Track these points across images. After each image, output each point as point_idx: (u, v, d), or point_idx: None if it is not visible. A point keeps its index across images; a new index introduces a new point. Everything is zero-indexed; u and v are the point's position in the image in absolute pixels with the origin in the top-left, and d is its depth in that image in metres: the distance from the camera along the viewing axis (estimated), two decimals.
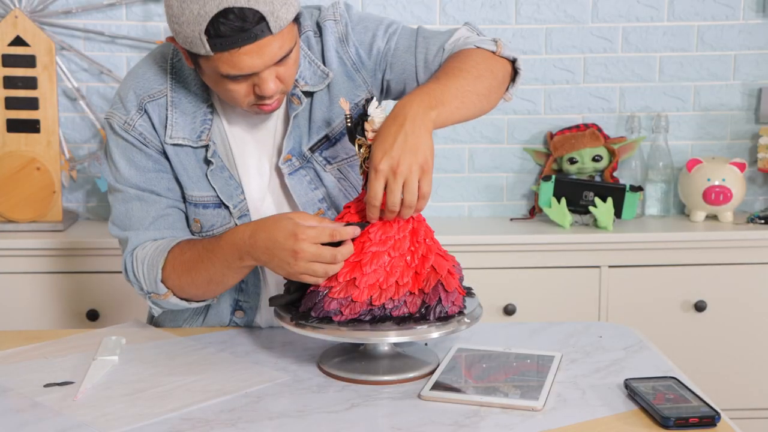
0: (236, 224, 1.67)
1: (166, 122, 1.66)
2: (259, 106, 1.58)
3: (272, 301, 1.55)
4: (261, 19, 1.46)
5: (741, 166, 2.76)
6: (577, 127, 2.84)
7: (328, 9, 1.71)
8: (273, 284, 1.73)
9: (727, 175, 2.74)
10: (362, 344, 1.56)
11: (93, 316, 2.58)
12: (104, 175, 1.72)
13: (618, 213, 2.70)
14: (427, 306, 1.48)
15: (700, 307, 2.63)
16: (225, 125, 1.68)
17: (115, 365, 1.57)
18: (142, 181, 1.67)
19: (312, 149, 1.69)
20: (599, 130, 2.82)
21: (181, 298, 1.66)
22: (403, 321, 1.47)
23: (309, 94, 1.69)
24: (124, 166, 1.67)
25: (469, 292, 1.60)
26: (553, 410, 1.38)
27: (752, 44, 2.87)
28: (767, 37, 2.87)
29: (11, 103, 2.63)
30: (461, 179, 2.91)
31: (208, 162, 1.67)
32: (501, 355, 1.57)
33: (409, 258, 1.49)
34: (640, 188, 2.72)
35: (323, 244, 1.45)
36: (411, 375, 1.50)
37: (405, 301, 1.48)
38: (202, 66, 1.54)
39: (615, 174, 2.85)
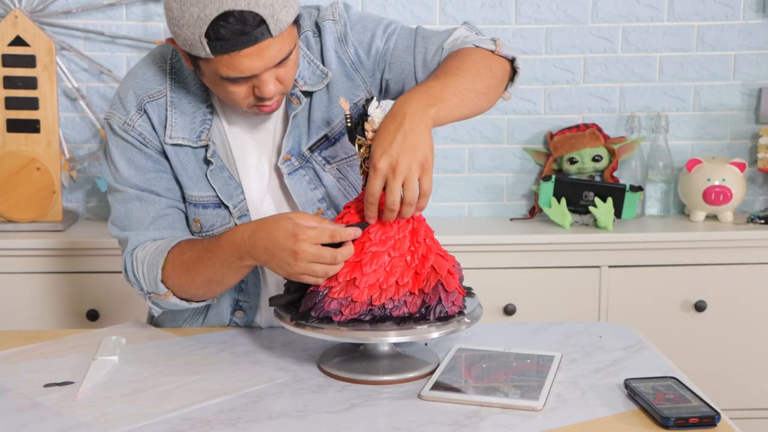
0: (236, 224, 1.67)
1: (166, 122, 1.66)
2: (258, 108, 1.59)
3: (272, 301, 1.55)
4: (261, 22, 1.46)
5: (741, 166, 2.76)
6: (577, 127, 2.84)
7: (327, 9, 1.71)
8: (273, 284, 1.73)
9: (727, 175, 2.74)
10: (362, 344, 1.56)
11: (93, 316, 2.58)
12: (104, 176, 1.72)
13: (618, 213, 2.70)
14: (427, 306, 1.48)
15: (700, 307, 2.63)
16: (224, 125, 1.68)
17: (115, 365, 1.57)
18: (141, 181, 1.67)
19: (311, 149, 1.69)
20: (599, 130, 2.82)
21: (181, 298, 1.66)
22: (403, 321, 1.47)
23: (308, 94, 1.69)
24: (124, 166, 1.67)
25: (469, 292, 1.60)
26: (553, 410, 1.38)
27: (752, 44, 2.87)
28: (767, 37, 2.87)
29: (11, 103, 2.63)
30: (461, 179, 2.91)
31: (207, 162, 1.67)
32: (501, 355, 1.57)
33: (409, 258, 1.49)
34: (640, 188, 2.72)
35: (324, 245, 1.45)
36: (411, 375, 1.50)
37: (405, 301, 1.48)
38: (202, 68, 1.54)
39: (615, 174, 2.85)
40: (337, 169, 1.71)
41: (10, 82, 2.63)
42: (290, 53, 1.54)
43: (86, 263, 2.58)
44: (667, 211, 2.87)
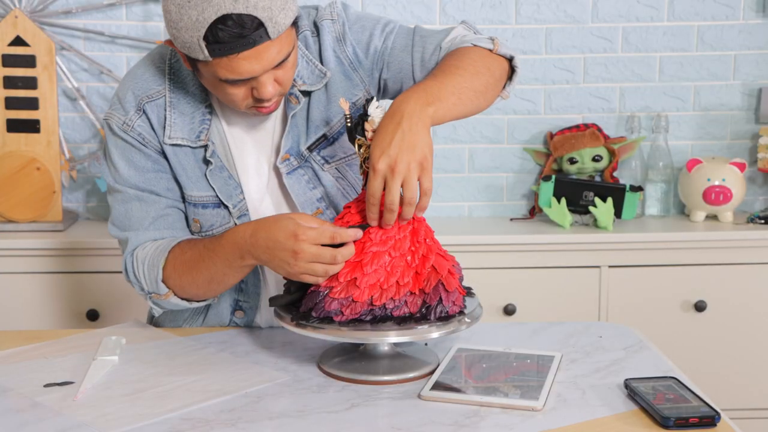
0: (236, 224, 1.67)
1: (165, 123, 1.66)
2: (257, 109, 1.59)
3: (272, 301, 1.55)
4: (259, 25, 1.46)
5: (741, 166, 2.76)
6: (577, 127, 2.84)
7: (325, 8, 1.71)
8: (273, 284, 1.73)
9: (727, 175, 2.75)
10: (362, 344, 1.56)
11: (93, 316, 2.58)
12: (103, 176, 1.72)
13: (618, 213, 2.70)
14: (428, 306, 1.48)
15: (700, 307, 2.63)
16: (224, 125, 1.68)
17: (115, 365, 1.57)
18: (141, 182, 1.67)
19: (310, 148, 1.69)
20: (599, 130, 2.82)
21: (182, 298, 1.66)
22: (404, 321, 1.47)
23: (307, 94, 1.69)
24: (124, 166, 1.67)
25: (469, 292, 1.60)
26: (553, 410, 1.38)
27: (752, 44, 2.87)
28: (767, 37, 2.87)
29: (11, 103, 2.63)
30: (461, 179, 2.91)
31: (207, 162, 1.67)
32: (501, 355, 1.57)
33: (409, 258, 1.49)
34: (640, 188, 2.72)
35: (324, 246, 1.45)
36: (411, 375, 1.50)
37: (406, 301, 1.48)
38: (201, 70, 1.54)
39: (615, 174, 2.85)
40: (335, 168, 1.71)
41: (10, 82, 2.63)
42: (289, 55, 1.54)
43: (86, 263, 2.58)
44: (667, 211, 2.87)
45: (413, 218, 1.49)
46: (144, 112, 1.66)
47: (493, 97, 1.64)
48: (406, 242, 1.49)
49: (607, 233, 2.65)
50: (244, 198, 1.68)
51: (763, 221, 2.72)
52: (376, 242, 1.47)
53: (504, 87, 1.68)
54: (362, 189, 1.52)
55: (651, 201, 2.86)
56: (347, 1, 2.71)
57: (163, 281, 1.63)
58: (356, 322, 1.46)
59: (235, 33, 1.45)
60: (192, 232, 1.71)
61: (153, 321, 1.87)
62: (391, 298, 1.47)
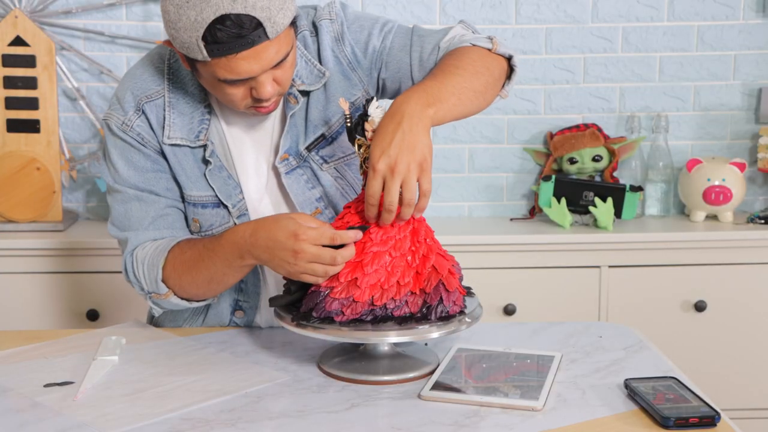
0: (235, 224, 1.67)
1: (164, 123, 1.66)
2: (256, 109, 1.59)
3: (272, 301, 1.55)
4: (258, 25, 1.46)
5: (741, 166, 2.76)
6: (577, 127, 2.84)
7: (323, 8, 1.71)
8: (273, 284, 1.73)
9: (727, 175, 2.75)
10: (362, 344, 1.56)
11: (93, 316, 2.58)
12: (103, 176, 1.72)
13: (618, 213, 2.70)
14: (429, 306, 1.48)
15: (700, 307, 2.63)
16: (223, 125, 1.68)
17: (115, 365, 1.57)
18: (140, 182, 1.67)
19: (309, 148, 1.69)
20: (599, 130, 2.82)
21: (182, 298, 1.66)
22: (405, 321, 1.47)
23: (305, 94, 1.69)
24: (123, 166, 1.67)
25: (469, 292, 1.60)
26: (553, 410, 1.38)
27: (752, 44, 2.87)
28: (767, 37, 2.87)
29: (11, 103, 2.63)
30: (461, 179, 2.91)
31: (206, 162, 1.67)
32: (501, 355, 1.57)
33: (410, 258, 1.49)
34: (640, 188, 2.72)
35: (325, 246, 1.45)
36: (411, 375, 1.50)
37: (406, 301, 1.48)
38: (200, 70, 1.54)
39: (615, 174, 2.85)
40: (334, 168, 1.71)
41: (10, 82, 2.63)
42: (287, 55, 1.54)
43: (86, 263, 2.58)
44: (667, 211, 2.87)
45: (413, 218, 1.49)
46: (143, 112, 1.66)
47: (492, 96, 1.64)
48: (407, 242, 1.49)
49: (607, 233, 2.65)
50: (243, 198, 1.68)
51: (763, 221, 2.72)
52: (377, 242, 1.47)
53: (503, 86, 1.68)
54: (362, 189, 1.52)
55: (651, 201, 2.86)
56: (347, 1, 2.71)
57: (162, 281, 1.63)
58: (357, 322, 1.46)
59: (233, 33, 1.45)
60: (191, 232, 1.71)
61: (153, 321, 1.87)
62: (392, 298, 1.47)
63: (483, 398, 1.40)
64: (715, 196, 2.73)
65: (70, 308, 2.59)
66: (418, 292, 1.49)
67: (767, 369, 2.68)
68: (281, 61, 1.53)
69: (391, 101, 1.53)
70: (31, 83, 2.63)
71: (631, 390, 1.41)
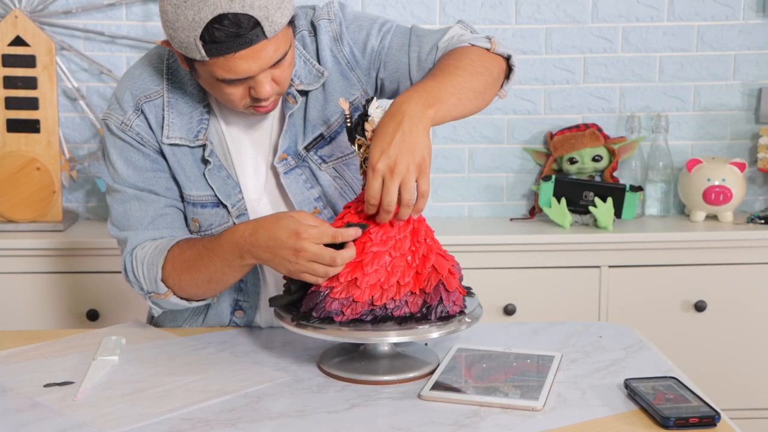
0: (234, 223, 1.67)
1: (163, 122, 1.66)
2: (255, 108, 1.59)
3: (272, 301, 1.55)
4: (256, 24, 1.46)
5: (741, 166, 2.76)
6: (577, 127, 2.84)
7: (322, 8, 1.71)
8: (272, 284, 1.73)
9: (727, 175, 2.74)
10: (362, 344, 1.56)
11: (93, 316, 2.58)
12: (102, 176, 1.72)
13: (618, 213, 2.70)
14: (429, 306, 1.48)
15: (700, 307, 2.63)
16: (222, 125, 1.68)
17: (115, 365, 1.57)
18: (140, 181, 1.67)
19: (307, 148, 1.69)
20: (599, 130, 2.82)
21: (182, 298, 1.66)
22: (405, 321, 1.47)
23: (304, 93, 1.69)
24: (122, 166, 1.67)
25: (469, 292, 1.60)
26: (553, 410, 1.38)
27: (752, 44, 2.87)
28: (767, 37, 2.87)
29: (11, 103, 2.63)
30: (461, 179, 2.91)
31: (205, 161, 1.67)
32: (501, 355, 1.57)
33: (410, 258, 1.49)
34: (640, 188, 2.72)
35: (325, 246, 1.45)
36: (411, 375, 1.50)
37: (406, 301, 1.48)
38: (198, 70, 1.54)
39: (615, 174, 2.85)
40: (333, 168, 1.71)
41: (10, 82, 2.63)
42: (286, 54, 1.54)
43: (86, 263, 2.58)
44: (667, 211, 2.87)
45: (412, 218, 1.49)
46: (142, 112, 1.66)
47: (491, 96, 1.64)
48: (407, 242, 1.49)
49: (607, 233, 2.65)
50: (242, 197, 1.68)
51: (763, 221, 2.72)
52: (377, 242, 1.47)
53: (502, 86, 1.68)
54: (362, 189, 1.52)
55: (651, 201, 2.86)
56: (347, 1, 2.71)
57: (162, 280, 1.63)
58: (357, 322, 1.46)
59: (231, 32, 1.45)
60: (191, 232, 1.71)
61: (153, 321, 1.87)
62: (392, 298, 1.47)
63: (483, 398, 1.40)
64: (715, 196, 2.73)
65: (70, 308, 2.59)
66: (417, 292, 1.49)
67: (767, 369, 2.68)
68: (279, 61, 1.53)
69: (390, 101, 1.53)
70: (31, 83, 2.63)
71: (631, 390, 1.41)
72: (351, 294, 1.46)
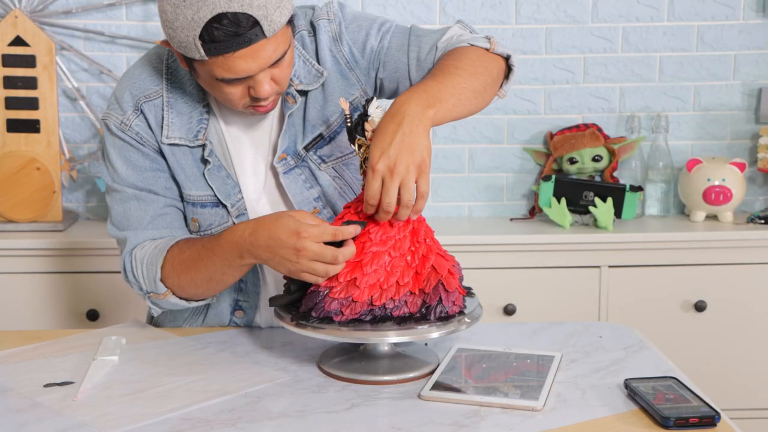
0: (234, 223, 1.67)
1: (162, 122, 1.66)
2: (254, 108, 1.59)
3: (272, 301, 1.55)
4: (255, 23, 1.46)
5: (741, 166, 2.76)
6: (577, 127, 2.84)
7: (321, 8, 1.71)
8: (272, 284, 1.73)
9: (727, 175, 2.75)
10: (362, 344, 1.56)
11: (93, 316, 2.58)
12: (102, 176, 1.72)
13: (618, 213, 2.70)
14: (428, 306, 1.48)
15: (700, 307, 2.63)
16: (221, 124, 1.68)
17: (115, 365, 1.57)
18: (139, 181, 1.67)
19: (307, 148, 1.69)
20: (599, 130, 2.82)
21: (181, 298, 1.66)
22: (404, 321, 1.47)
23: (303, 93, 1.69)
24: (122, 166, 1.67)
25: (468, 292, 1.60)
26: (553, 410, 1.38)
27: (752, 44, 2.87)
28: (767, 37, 2.87)
29: (11, 103, 2.63)
30: (461, 179, 2.91)
31: (205, 161, 1.67)
32: (501, 355, 1.57)
33: (409, 258, 1.49)
34: (640, 188, 2.72)
35: (326, 244, 1.45)
36: (411, 375, 1.50)
37: (406, 301, 1.48)
38: (197, 69, 1.54)
39: (615, 174, 2.85)
40: (332, 168, 1.71)
41: (10, 82, 2.63)
42: (285, 53, 1.54)
43: (86, 263, 2.58)
44: (667, 211, 2.87)
45: (411, 218, 1.49)
46: (141, 111, 1.66)
47: (491, 96, 1.65)
48: (406, 242, 1.49)
49: (607, 233, 2.65)
50: (242, 197, 1.68)
51: (763, 221, 2.72)
52: (376, 242, 1.47)
53: (501, 86, 1.68)
54: (362, 189, 1.51)
55: (651, 201, 2.86)
56: (347, 1, 2.71)
57: (161, 280, 1.63)
58: (356, 322, 1.46)
59: (230, 32, 1.45)
60: (191, 232, 1.71)
61: (153, 321, 1.87)
62: (391, 298, 1.47)
63: (483, 398, 1.40)
64: (715, 196, 2.73)
65: (70, 308, 2.59)
66: (417, 292, 1.49)
67: (767, 369, 2.68)
68: (279, 60, 1.53)
69: (390, 101, 1.53)
70: (31, 83, 2.63)
71: (631, 390, 1.41)
72: (350, 294, 1.46)
